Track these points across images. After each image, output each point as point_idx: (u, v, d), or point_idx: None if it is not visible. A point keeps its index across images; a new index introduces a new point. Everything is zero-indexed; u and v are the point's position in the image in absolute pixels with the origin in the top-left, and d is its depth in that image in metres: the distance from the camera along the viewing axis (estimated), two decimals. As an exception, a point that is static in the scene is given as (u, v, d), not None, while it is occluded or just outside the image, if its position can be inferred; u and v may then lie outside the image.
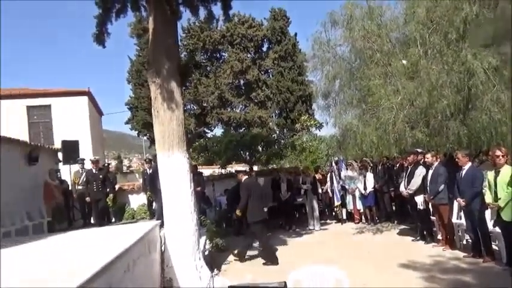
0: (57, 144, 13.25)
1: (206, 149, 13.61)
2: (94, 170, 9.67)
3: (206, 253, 7.07)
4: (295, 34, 27.55)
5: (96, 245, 4.36)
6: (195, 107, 26.22)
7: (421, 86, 7.49)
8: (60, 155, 11.54)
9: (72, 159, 10.61)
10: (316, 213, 10.46)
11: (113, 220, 11.13)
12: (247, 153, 13.00)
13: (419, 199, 7.66)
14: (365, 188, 10.18)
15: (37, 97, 16.26)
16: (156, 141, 6.01)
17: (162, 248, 5.90)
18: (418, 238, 7.90)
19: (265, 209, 8.16)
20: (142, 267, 4.42)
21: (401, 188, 8.15)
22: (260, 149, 13.53)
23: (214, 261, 7.04)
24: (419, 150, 7.95)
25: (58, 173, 10.20)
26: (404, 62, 8.17)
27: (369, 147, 8.20)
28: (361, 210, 10.54)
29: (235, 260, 7.28)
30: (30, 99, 16.14)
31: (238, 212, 7.51)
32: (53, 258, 3.64)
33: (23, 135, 14.40)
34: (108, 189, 10.10)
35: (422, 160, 7.78)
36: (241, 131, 24.03)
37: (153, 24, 5.81)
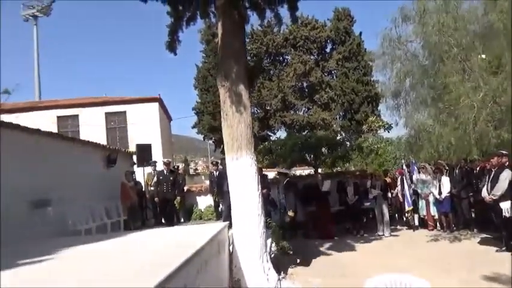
0: (132, 148, 14.13)
1: (270, 151, 13.61)
2: (165, 172, 10.13)
3: (272, 255, 7.05)
4: (360, 33, 26.74)
5: (170, 244, 4.51)
6: (259, 111, 26.50)
7: (506, 81, 6.82)
8: (134, 158, 12.26)
9: (145, 162, 11.20)
10: (386, 218, 9.98)
11: (182, 220, 11.56)
12: (312, 156, 12.79)
13: (505, 205, 6.96)
14: (440, 193, 9.50)
15: (114, 104, 17.51)
16: (224, 143, 6.11)
17: (231, 249, 5.97)
18: (503, 248, 7.17)
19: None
20: (213, 267, 4.49)
21: (484, 193, 7.47)
22: (325, 151, 13.25)
23: (280, 264, 6.98)
24: (504, 152, 7.24)
25: (133, 175, 10.83)
26: (483, 56, 7.51)
27: (445, 148, 7.63)
28: (436, 217, 9.86)
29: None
30: (108, 106, 17.42)
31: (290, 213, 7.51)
32: (130, 256, 3.81)
33: (102, 139, 15.59)
34: (176, 191, 10.52)
35: (508, 163, 7.08)
36: (304, 133, 23.81)
37: (222, 29, 5.95)
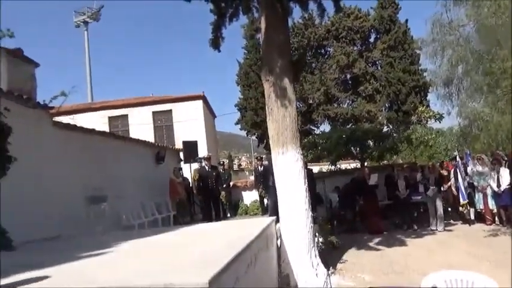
0: (178, 145, 14.53)
1: (315, 145, 13.46)
2: (207, 167, 10.16)
3: (320, 250, 6.96)
4: (406, 21, 25.63)
5: (219, 239, 4.58)
6: (301, 105, 26.25)
7: None
8: (181, 155, 12.60)
9: (192, 158, 11.48)
10: (440, 212, 9.52)
11: (228, 215, 11.74)
12: (358, 149, 12.49)
13: None
14: (499, 186, 8.92)
15: (160, 103, 18.08)
16: (270, 138, 6.10)
17: (278, 244, 5.97)
18: None
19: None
20: (262, 262, 4.50)
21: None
22: (371, 144, 12.89)
23: (329, 259, 6.89)
24: None
25: (180, 171, 11.14)
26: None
27: (504, 138, 7.14)
28: (494, 210, 9.27)
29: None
30: (155, 105, 18.02)
31: None
32: (183, 251, 3.90)
33: (150, 137, 16.17)
34: (220, 186, 10.61)
35: None
36: (348, 126, 23.30)
37: (265, 24, 5.92)
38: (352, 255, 7.27)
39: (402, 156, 17.68)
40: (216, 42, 6.53)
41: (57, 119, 7.33)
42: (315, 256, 5.98)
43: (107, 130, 15.95)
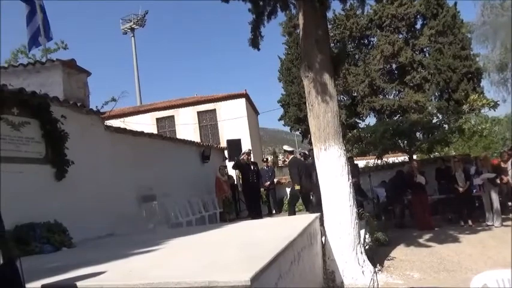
0: (223, 143, 14.81)
1: (360, 139, 13.16)
2: (247, 163, 10.12)
3: (367, 247, 6.83)
4: (455, 3, 24.22)
5: (263, 235, 4.64)
6: (345, 98, 25.71)
7: None
8: (226, 153, 12.84)
9: (236, 156, 11.66)
10: (496, 206, 8.96)
11: (274, 212, 11.81)
12: (406, 142, 12.05)
13: None
14: None
15: (205, 103, 18.51)
16: (311, 134, 6.07)
17: (323, 240, 5.94)
18: None
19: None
20: (306, 259, 4.51)
21: None
22: (420, 136, 12.39)
23: (376, 256, 6.74)
24: None
25: (225, 169, 11.36)
26: None
27: None
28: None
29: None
30: (200, 105, 18.47)
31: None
32: (228, 247, 4.00)
33: (196, 137, 16.62)
34: (261, 182, 10.60)
35: None
36: (395, 118, 22.48)
37: (303, 19, 5.89)
38: (400, 252, 7.06)
39: (455, 148, 16.82)
40: (255, 41, 6.58)
41: (109, 122, 7.77)
42: (361, 253, 5.89)
43: (155, 131, 16.62)
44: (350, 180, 5.94)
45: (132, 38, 34.64)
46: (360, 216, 7.39)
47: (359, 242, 5.94)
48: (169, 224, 8.56)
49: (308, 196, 9.18)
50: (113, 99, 7.92)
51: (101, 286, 2.65)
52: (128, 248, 4.51)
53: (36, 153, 5.67)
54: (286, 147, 9.97)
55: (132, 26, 34.68)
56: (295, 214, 9.00)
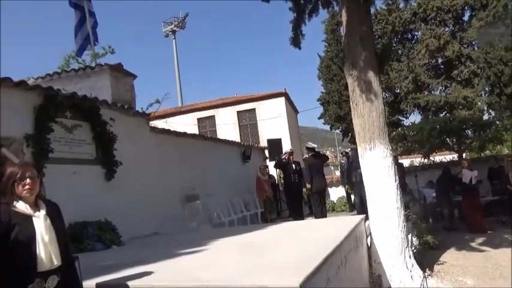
0: (263, 143, 14.83)
1: (405, 138, 12.70)
2: (290, 162, 9.89)
3: (415, 251, 6.57)
4: (507, -8, 22.74)
5: (308, 238, 4.58)
6: (387, 95, 24.90)
7: None
8: (266, 152, 12.84)
9: (276, 156, 11.61)
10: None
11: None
12: (454, 140, 11.48)
13: None
14: None
15: (244, 103, 18.62)
16: (355, 134, 5.92)
17: (369, 243, 5.78)
18: None
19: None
20: (352, 262, 4.40)
21: None
22: (470, 134, 11.74)
23: (425, 260, 6.47)
24: None
25: (266, 169, 11.35)
26: None
27: None
28: None
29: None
30: (239, 105, 18.61)
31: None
32: (273, 250, 3.97)
33: (236, 136, 16.76)
34: (303, 182, 10.41)
35: None
36: (442, 115, 21.49)
37: (346, 16, 5.74)
38: (451, 256, 6.73)
39: (508, 146, 15.79)
40: (296, 40, 6.51)
41: (152, 123, 7.99)
42: (410, 257, 5.67)
43: (196, 131, 16.94)
44: (397, 181, 5.73)
45: (174, 40, 35.53)
46: (406, 218, 7.14)
47: (407, 245, 5.73)
48: (212, 224, 8.68)
49: (317, 195, 8.95)
50: (157, 101, 8.16)
51: (152, 286, 2.71)
52: (174, 247, 4.61)
53: (88, 154, 5.93)
54: (308, 144, 9.73)
55: (173, 29, 35.56)
56: (322, 213, 8.81)
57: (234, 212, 9.69)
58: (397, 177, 5.74)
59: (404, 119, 25.52)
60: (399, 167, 10.04)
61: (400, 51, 25.31)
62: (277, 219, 10.53)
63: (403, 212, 5.77)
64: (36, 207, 2.17)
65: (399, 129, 15.94)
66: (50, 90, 5.37)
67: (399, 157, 13.35)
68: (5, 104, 4.72)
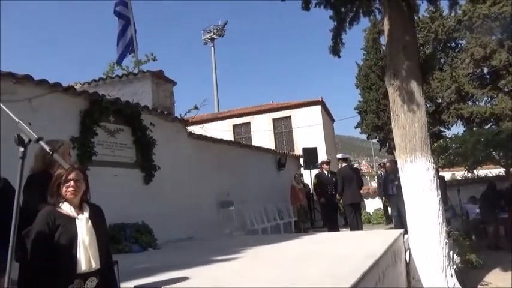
0: (297, 151, 14.73)
1: (446, 150, 12.18)
2: (326, 173, 9.71)
3: (456, 269, 6.25)
4: (562, -2, 21.46)
5: (344, 251, 4.47)
6: (428, 105, 24.07)
7: None
8: (301, 161, 12.73)
9: (312, 165, 11.47)
10: None
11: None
12: (501, 154, 10.88)
13: None
14: None
15: (280, 110, 18.60)
16: (396, 145, 5.74)
17: (407, 259, 5.56)
18: None
19: None
20: (391, 278, 4.25)
21: None
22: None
23: (467, 280, 6.13)
24: None
25: (301, 177, 11.23)
26: None
27: None
28: None
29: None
30: (275, 112, 18.61)
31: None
32: (309, 263, 3.90)
33: (271, 143, 16.75)
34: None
35: None
36: (487, 127, 20.49)
37: (389, 24, 5.60)
38: (496, 277, 6.34)
39: None
40: (336, 49, 6.41)
41: (189, 128, 8.12)
42: (451, 276, 5.40)
43: (232, 137, 17.08)
44: (439, 196, 5.49)
45: (212, 47, 36.19)
46: (448, 235, 6.82)
47: (449, 263, 5.46)
48: (245, 231, 8.68)
49: (351, 207, 8.61)
50: (195, 107, 8.29)
51: (188, 293, 2.72)
52: (209, 253, 4.64)
53: (128, 158, 6.12)
54: (340, 155, 9.47)
55: (212, 36, 36.25)
56: (357, 225, 8.49)
57: (268, 220, 9.65)
58: (439, 191, 5.51)
59: (446, 130, 24.54)
60: (441, 181, 9.64)
61: (442, 60, 24.46)
62: (310, 229, 10.38)
63: (444, 228, 5.52)
64: (80, 209, 2.23)
65: (441, 140, 15.31)
66: (95, 95, 5.60)
67: (440, 170, 12.84)
68: (55, 108, 4.98)
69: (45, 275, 2.04)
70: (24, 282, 2.08)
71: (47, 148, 1.49)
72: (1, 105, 1.46)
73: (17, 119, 1.43)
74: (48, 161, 2.86)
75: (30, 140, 1.41)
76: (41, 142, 1.44)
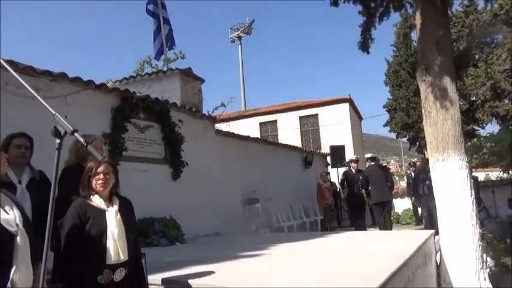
0: (324, 149, 14.58)
1: (480, 149, 11.75)
2: (354, 171, 9.53)
3: (490, 273, 6.02)
4: None
5: (372, 250, 4.39)
6: (462, 102, 23.22)
7: None
8: (328, 159, 12.59)
9: (339, 163, 11.32)
10: None
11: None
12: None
13: None
14: None
15: (307, 108, 18.46)
16: (427, 143, 5.57)
17: (438, 261, 5.40)
18: None
19: None
20: (420, 280, 4.13)
21: None
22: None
23: (502, 284, 5.91)
24: None
25: (328, 176, 11.11)
26: None
27: None
28: None
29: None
30: (302, 110, 18.49)
31: None
32: (336, 262, 3.85)
33: (297, 141, 16.66)
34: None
35: None
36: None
37: (421, 19, 5.44)
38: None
39: None
40: (365, 45, 6.28)
41: (216, 126, 8.20)
42: (484, 279, 5.20)
43: (258, 135, 17.11)
44: (472, 196, 5.30)
45: (239, 45, 36.32)
46: (481, 237, 6.57)
47: (482, 266, 5.26)
48: (271, 228, 8.68)
49: (379, 207, 8.38)
50: (222, 105, 8.36)
51: (214, 286, 2.74)
52: (235, 249, 4.66)
53: (157, 154, 6.24)
54: (368, 154, 9.28)
55: (240, 35, 36.37)
56: (385, 225, 8.28)
57: (294, 218, 9.61)
58: (472, 192, 5.31)
59: (480, 129, 23.62)
60: (474, 181, 9.29)
61: (477, 56, 23.54)
62: (337, 228, 10.25)
63: (478, 229, 5.32)
64: (110, 202, 2.29)
65: (474, 139, 14.78)
66: (126, 92, 5.74)
67: (474, 170, 12.39)
68: (88, 104, 5.15)
69: (76, 264, 2.11)
70: (57, 271, 2.17)
71: (81, 140, 1.53)
72: (39, 98, 1.52)
73: (53, 112, 1.48)
74: (81, 155, 2.97)
75: (66, 132, 1.46)
76: (76, 134, 1.48)
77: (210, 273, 3.13)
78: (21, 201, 2.17)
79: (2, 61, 1.61)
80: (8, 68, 1.63)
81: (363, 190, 9.30)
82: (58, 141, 1.44)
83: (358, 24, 6.29)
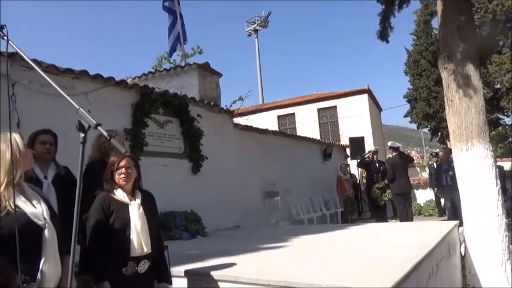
0: (343, 141, 14.44)
1: (506, 138, 11.42)
2: (374, 162, 9.33)
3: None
4: None
5: (396, 242, 4.34)
6: (485, 90, 22.57)
7: None
8: (347, 151, 12.48)
9: (358, 155, 11.20)
10: None
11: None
12: None
13: None
14: None
15: (325, 100, 18.30)
16: (450, 132, 5.44)
17: (462, 252, 5.30)
18: None
19: None
20: (444, 271, 4.07)
21: None
22: None
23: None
24: None
25: (348, 168, 11.02)
26: None
27: None
28: None
29: None
30: (320, 102, 18.34)
31: None
32: (356, 252, 3.83)
33: (316, 134, 16.56)
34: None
35: None
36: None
37: (442, 5, 5.29)
38: None
39: None
40: (384, 34, 6.16)
41: (234, 120, 8.22)
42: (511, 270, 5.07)
43: (276, 128, 17.08)
44: (498, 186, 5.16)
45: (256, 39, 36.18)
46: (508, 227, 6.40)
47: (508, 257, 5.13)
48: (291, 220, 8.68)
49: (401, 198, 8.21)
50: (240, 98, 8.38)
51: (236, 278, 2.77)
52: (256, 241, 4.69)
53: (177, 148, 6.31)
54: (391, 144, 9.07)
55: (256, 28, 36.20)
56: (407, 216, 8.12)
57: (314, 210, 9.59)
58: (498, 181, 5.17)
59: (504, 117, 22.91)
60: (499, 170, 9.02)
61: (501, 43, 22.78)
62: (358, 220, 10.18)
63: (504, 219, 5.18)
64: (132, 195, 2.34)
65: (499, 128, 14.38)
66: (145, 88, 5.81)
67: (499, 159, 12.06)
68: (109, 101, 5.24)
69: (101, 257, 2.17)
70: (83, 264, 2.23)
71: (105, 133, 1.57)
72: (65, 95, 1.55)
73: (77, 106, 1.51)
74: (104, 150, 3.04)
75: (89, 126, 1.49)
76: (99, 128, 1.52)
77: (232, 265, 3.16)
78: (47, 195, 2.23)
79: (29, 61, 1.65)
80: (35, 66, 1.67)
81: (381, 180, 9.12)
82: (82, 135, 1.48)
83: (376, 13, 6.18)
